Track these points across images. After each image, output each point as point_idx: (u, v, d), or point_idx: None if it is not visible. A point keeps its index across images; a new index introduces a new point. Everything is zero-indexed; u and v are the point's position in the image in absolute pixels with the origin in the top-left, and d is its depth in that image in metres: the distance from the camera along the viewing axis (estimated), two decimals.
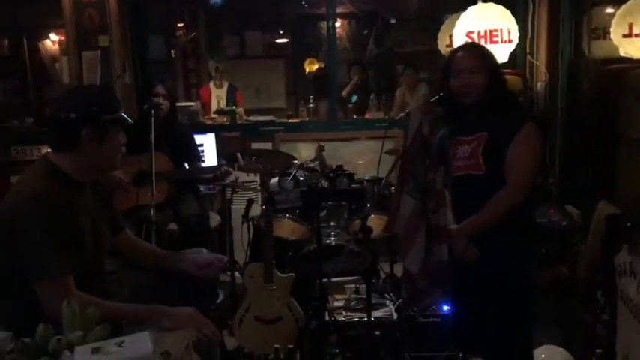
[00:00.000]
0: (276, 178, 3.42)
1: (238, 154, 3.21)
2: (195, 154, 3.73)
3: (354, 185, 3.34)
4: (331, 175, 3.34)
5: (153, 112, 3.21)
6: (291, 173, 3.39)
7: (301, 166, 3.47)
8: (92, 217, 1.93)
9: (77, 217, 1.84)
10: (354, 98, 6.63)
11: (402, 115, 2.43)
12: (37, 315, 1.57)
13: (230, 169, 3.38)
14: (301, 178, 3.39)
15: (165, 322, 1.76)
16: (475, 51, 2.45)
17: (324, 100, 5.61)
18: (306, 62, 8.13)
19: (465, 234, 2.37)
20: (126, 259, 2.15)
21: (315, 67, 8.17)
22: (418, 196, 2.32)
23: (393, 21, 8.08)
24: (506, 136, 2.30)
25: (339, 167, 3.44)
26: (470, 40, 4.15)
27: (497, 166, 2.33)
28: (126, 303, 1.87)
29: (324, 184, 3.33)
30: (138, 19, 4.62)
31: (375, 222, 3.30)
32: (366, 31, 8.13)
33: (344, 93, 6.38)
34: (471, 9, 4.21)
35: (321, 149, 3.62)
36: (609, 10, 4.51)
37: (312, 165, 3.51)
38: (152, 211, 2.97)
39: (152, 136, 3.09)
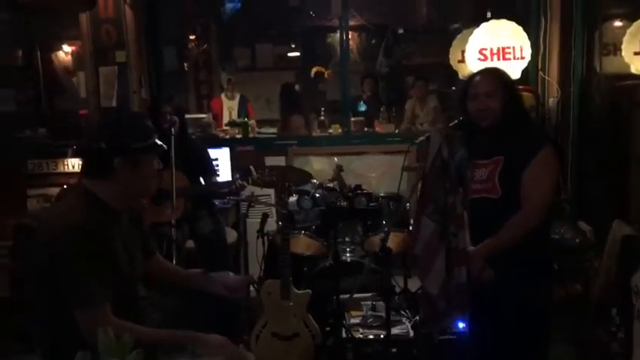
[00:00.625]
0: (295, 197, 3.45)
1: (252, 168, 3.24)
2: (209, 169, 3.76)
3: (372, 204, 3.37)
4: (350, 194, 3.37)
5: (172, 130, 3.25)
6: (309, 191, 3.42)
7: (320, 186, 3.50)
8: (127, 243, 1.96)
9: (114, 244, 1.88)
10: (362, 107, 6.66)
11: (422, 138, 2.47)
12: (75, 341, 1.61)
13: (244, 183, 3.41)
14: (317, 195, 3.42)
15: (199, 349, 1.80)
16: (492, 75, 2.49)
17: (295, 115, 5.63)
18: (314, 70, 8.18)
19: (481, 256, 2.41)
20: (156, 282, 2.19)
21: (322, 71, 8.21)
22: (438, 218, 2.35)
23: (400, 31, 8.13)
24: (523, 160, 2.34)
25: (358, 186, 3.47)
26: (482, 57, 4.20)
27: (513, 189, 2.36)
28: (159, 328, 1.90)
29: (343, 203, 3.36)
30: (153, 33, 4.67)
31: (391, 239, 3.33)
32: (373, 41, 8.19)
33: None
34: (484, 26, 4.25)
35: (339, 169, 3.65)
36: (620, 26, 4.55)
37: (330, 184, 3.54)
38: (173, 229, 3.00)
39: (172, 154, 3.12)
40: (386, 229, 3.45)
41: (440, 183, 2.34)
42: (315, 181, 3.58)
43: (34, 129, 5.98)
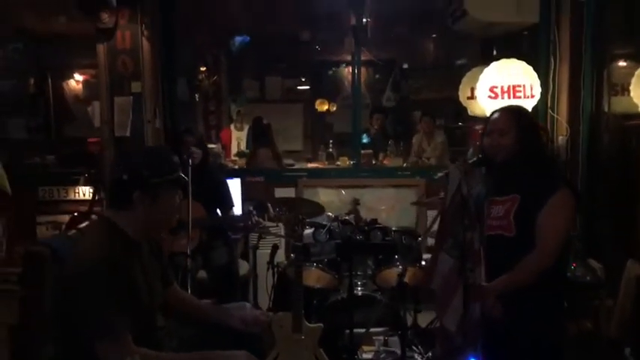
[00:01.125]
0: (311, 229, 3.46)
1: (269, 205, 3.26)
2: (227, 201, 3.79)
3: (387, 238, 3.38)
4: (366, 228, 3.38)
5: (190, 161, 3.29)
6: (325, 224, 3.44)
7: (336, 218, 3.52)
8: (147, 273, 1.98)
9: (135, 274, 1.90)
10: (365, 139, 6.73)
11: (440, 174, 2.50)
12: None
13: (261, 220, 3.42)
14: (333, 228, 3.43)
15: None
16: (508, 114, 2.55)
17: (263, 148, 5.68)
18: (317, 102, 8.29)
19: (493, 293, 2.43)
20: (173, 312, 2.19)
21: (326, 107, 8.33)
22: (456, 254, 2.37)
23: (405, 66, 8.26)
24: (539, 201, 2.37)
25: (374, 220, 3.49)
26: (493, 94, 4.26)
27: (528, 229, 2.39)
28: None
29: (359, 236, 3.37)
30: (169, 64, 4.74)
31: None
32: (377, 76, 8.31)
33: None
34: (495, 64, 4.32)
35: (356, 202, 3.67)
36: (628, 67, 4.63)
37: (347, 217, 3.56)
38: (188, 260, 3.01)
39: (189, 186, 3.15)
40: (400, 264, 3.47)
41: (459, 219, 2.36)
42: (330, 213, 3.60)
43: (43, 157, 6.04)
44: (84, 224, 3.44)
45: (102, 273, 1.79)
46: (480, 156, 2.51)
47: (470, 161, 2.46)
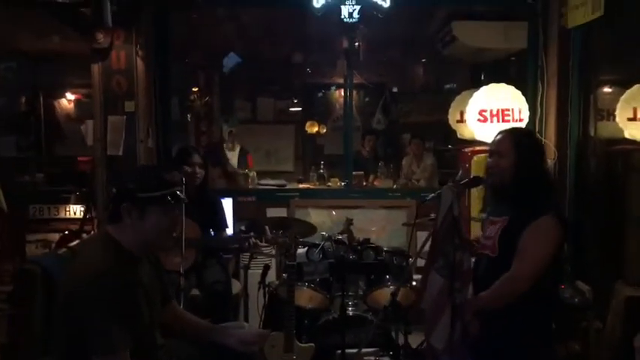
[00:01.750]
0: (305, 249, 3.49)
1: (266, 227, 3.28)
2: (222, 222, 3.82)
3: (379, 258, 3.41)
4: (358, 247, 3.41)
5: (185, 180, 3.30)
6: (318, 244, 3.46)
7: (329, 238, 3.54)
8: (146, 289, 1.99)
9: (135, 290, 1.91)
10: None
11: (433, 195, 2.54)
12: None
13: (258, 242, 3.44)
14: (327, 247, 3.45)
15: None
16: (509, 136, 2.59)
17: (213, 168, 5.74)
18: (307, 124, 8.37)
19: (470, 309, 2.46)
20: (171, 330, 2.19)
21: (316, 129, 8.41)
22: (447, 274, 2.40)
23: (395, 89, 8.37)
24: (523, 224, 2.41)
25: (366, 240, 3.52)
26: (482, 118, 4.34)
27: (510, 251, 2.43)
28: None
29: (352, 256, 3.40)
30: (163, 84, 4.78)
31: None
32: (367, 99, 8.42)
33: None
34: (484, 88, 4.41)
35: (349, 222, 3.70)
36: (614, 92, 4.74)
37: (340, 237, 3.59)
38: (182, 278, 3.02)
39: (183, 206, 3.16)
40: (391, 284, 3.49)
41: (450, 239, 2.40)
42: (323, 233, 3.63)
43: (33, 175, 6.04)
44: (76, 242, 3.45)
45: (102, 287, 1.80)
46: (473, 176, 2.56)
47: (462, 182, 2.51)
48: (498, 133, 2.65)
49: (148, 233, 1.98)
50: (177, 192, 2.02)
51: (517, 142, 2.54)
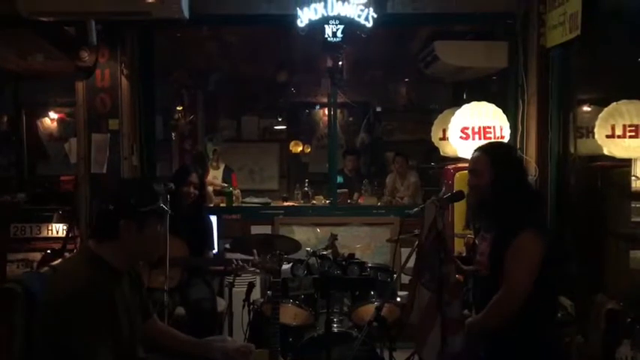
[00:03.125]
0: (289, 264, 3.48)
1: (255, 251, 3.28)
2: (210, 243, 3.82)
3: (364, 273, 3.42)
4: (343, 263, 3.42)
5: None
6: (302, 260, 3.46)
7: (314, 254, 3.55)
8: (127, 304, 1.98)
9: (117, 306, 1.91)
10: (340, 179, 6.82)
11: (416, 209, 2.56)
12: None
13: (245, 265, 3.44)
14: (311, 263, 3.45)
15: None
16: (483, 154, 2.61)
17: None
18: (292, 144, 8.42)
19: (470, 331, 2.48)
20: (153, 345, 2.18)
21: (300, 149, 8.47)
22: (434, 288, 2.42)
23: (378, 109, 8.46)
24: (505, 241, 2.43)
25: (351, 255, 3.53)
26: (464, 135, 4.40)
27: (499, 269, 2.45)
28: None
29: (337, 271, 3.40)
30: (147, 102, 4.78)
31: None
32: (351, 118, 8.50)
33: None
34: (466, 106, 4.48)
35: (334, 238, 3.71)
36: (592, 111, 4.84)
37: (324, 252, 3.60)
38: (165, 295, 3.00)
39: (167, 224, 3.16)
40: (376, 300, 3.49)
41: (435, 253, 2.42)
42: (308, 249, 3.63)
43: (13, 194, 5.96)
44: (58, 261, 3.40)
45: (83, 303, 1.79)
46: (454, 192, 2.59)
47: (445, 197, 2.53)
48: (474, 151, 2.67)
49: (142, 246, 1.99)
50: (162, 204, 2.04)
51: (492, 160, 2.55)
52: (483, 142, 4.30)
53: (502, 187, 2.53)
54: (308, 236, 4.88)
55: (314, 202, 5.81)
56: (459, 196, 2.59)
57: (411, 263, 2.63)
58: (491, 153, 2.62)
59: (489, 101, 4.52)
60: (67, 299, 1.81)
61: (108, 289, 1.89)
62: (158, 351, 2.21)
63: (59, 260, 3.51)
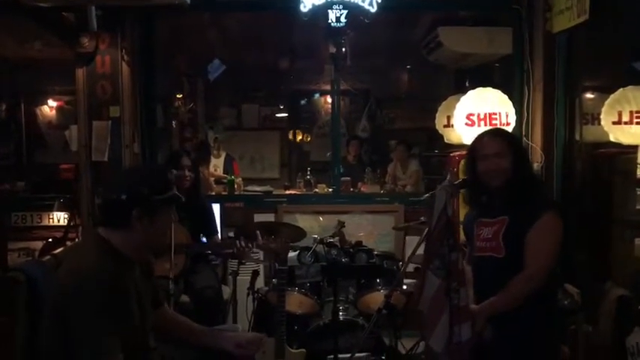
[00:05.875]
0: (296, 252, 3.45)
1: (258, 232, 3.25)
2: (213, 227, 3.78)
3: (371, 261, 3.39)
4: (351, 250, 3.39)
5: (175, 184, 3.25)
6: (309, 247, 3.43)
7: (321, 241, 3.51)
8: (139, 292, 1.95)
9: (127, 295, 1.87)
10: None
11: (427, 195, 2.53)
12: None
13: (249, 245, 3.40)
14: (318, 250, 3.42)
15: None
16: (501, 136, 2.58)
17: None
18: (291, 133, 8.39)
19: (483, 315, 2.44)
20: (164, 334, 2.15)
21: (300, 138, 8.42)
22: (443, 274, 2.38)
23: (379, 96, 8.39)
24: (527, 222, 2.40)
25: (358, 243, 3.50)
26: (470, 122, 4.36)
27: (517, 250, 2.42)
28: None
29: (344, 259, 3.37)
30: (148, 89, 4.72)
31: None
32: (352, 106, 8.44)
33: None
34: (471, 93, 4.43)
35: (341, 225, 3.68)
36: (598, 97, 4.79)
37: (331, 240, 3.56)
38: (171, 283, 2.97)
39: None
40: (382, 289, 3.47)
41: (444, 239, 2.38)
42: (315, 236, 3.60)
43: (13, 183, 5.92)
44: (60, 249, 3.37)
45: (95, 291, 1.75)
46: (465, 178, 2.54)
47: (455, 183, 2.49)
48: (484, 136, 2.61)
49: (154, 234, 1.96)
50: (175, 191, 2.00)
51: (512, 141, 2.55)
52: (489, 128, 4.27)
53: (524, 168, 2.52)
54: (311, 224, 4.84)
55: (316, 190, 5.77)
56: (470, 182, 2.55)
57: (419, 251, 2.60)
58: (509, 135, 2.61)
59: (500, 88, 4.47)
60: (77, 286, 1.78)
61: (119, 276, 1.85)
62: (168, 340, 2.17)
63: (61, 249, 3.48)
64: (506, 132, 2.70)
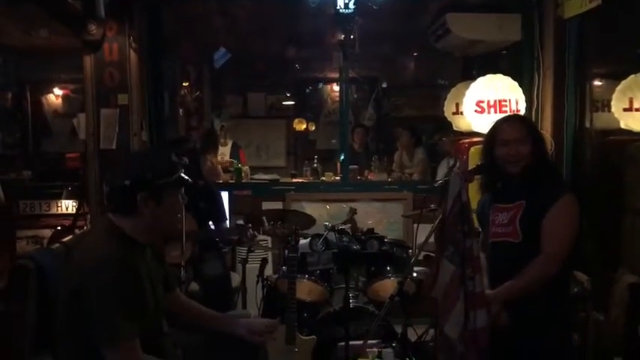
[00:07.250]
0: (308, 239, 3.45)
1: (264, 218, 3.24)
2: (221, 214, 3.77)
3: (383, 248, 3.38)
4: (362, 237, 3.38)
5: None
6: (321, 235, 3.42)
7: (333, 228, 3.51)
8: (151, 277, 1.94)
9: (141, 278, 1.86)
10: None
11: (440, 181, 2.51)
12: None
13: (256, 233, 3.40)
14: (330, 238, 3.41)
15: None
16: (521, 122, 2.58)
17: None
18: (296, 121, 8.35)
19: (499, 300, 2.42)
20: (176, 319, 2.14)
21: (304, 127, 8.39)
22: (457, 261, 2.37)
23: (384, 85, 8.35)
24: (544, 206, 2.39)
25: (370, 230, 3.49)
26: (479, 109, 4.33)
27: (534, 235, 2.41)
28: None
29: (355, 246, 3.37)
30: (156, 77, 4.71)
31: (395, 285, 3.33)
32: (355, 96, 8.40)
33: None
34: (481, 79, 4.40)
35: (353, 212, 3.67)
36: (609, 84, 4.75)
37: (343, 227, 3.55)
38: (182, 271, 2.97)
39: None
40: (392, 276, 3.46)
41: (459, 226, 2.37)
42: (327, 223, 3.59)
43: (19, 172, 5.93)
44: (69, 237, 3.37)
45: (109, 276, 1.75)
46: (480, 163, 2.53)
47: (470, 169, 2.48)
48: (504, 122, 2.60)
49: (162, 220, 1.95)
50: (182, 174, 1.98)
51: (530, 127, 2.54)
52: (499, 115, 4.24)
53: (542, 154, 2.52)
54: (319, 212, 4.83)
55: (323, 178, 5.76)
56: (485, 167, 2.53)
57: (430, 238, 2.59)
58: (528, 121, 2.61)
59: (509, 75, 4.43)
60: (92, 271, 1.77)
61: (131, 262, 1.84)
62: (180, 326, 2.17)
63: (70, 237, 3.48)
64: (526, 118, 2.70)
